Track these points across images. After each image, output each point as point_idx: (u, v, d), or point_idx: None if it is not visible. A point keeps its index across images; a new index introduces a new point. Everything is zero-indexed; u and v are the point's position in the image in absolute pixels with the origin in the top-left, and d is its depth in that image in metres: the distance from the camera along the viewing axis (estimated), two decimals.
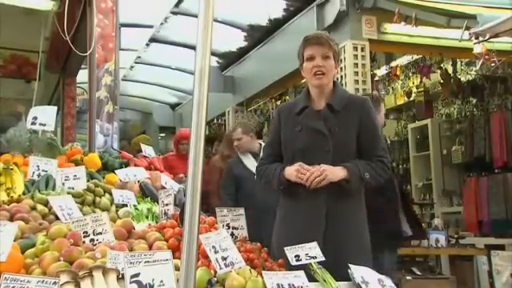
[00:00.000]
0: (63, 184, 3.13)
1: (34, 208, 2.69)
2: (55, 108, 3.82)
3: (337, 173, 2.70)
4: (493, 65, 5.09)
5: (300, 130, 2.83)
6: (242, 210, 3.07)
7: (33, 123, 3.61)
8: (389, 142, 8.18)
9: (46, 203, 2.78)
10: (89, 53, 4.34)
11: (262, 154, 3.19)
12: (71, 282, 1.76)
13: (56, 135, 4.40)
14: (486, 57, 4.91)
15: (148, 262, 1.84)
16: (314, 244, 2.50)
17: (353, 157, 2.78)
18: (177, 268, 1.93)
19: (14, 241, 2.02)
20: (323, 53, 2.79)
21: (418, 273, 4.98)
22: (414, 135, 8.29)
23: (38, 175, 3.22)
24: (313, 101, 2.89)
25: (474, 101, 7.35)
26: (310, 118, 2.83)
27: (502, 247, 5.39)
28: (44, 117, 3.63)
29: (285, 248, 2.50)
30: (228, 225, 2.92)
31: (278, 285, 2.13)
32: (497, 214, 5.69)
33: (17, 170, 3.07)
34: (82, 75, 6.23)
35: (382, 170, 2.80)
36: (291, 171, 2.76)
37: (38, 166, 3.23)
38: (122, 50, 7.05)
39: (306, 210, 2.78)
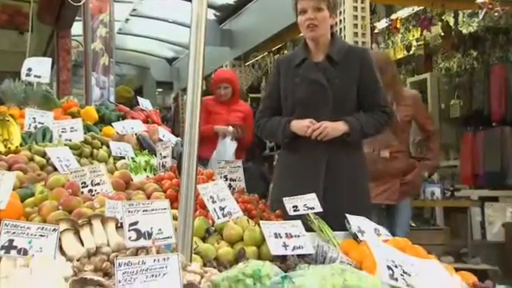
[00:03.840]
0: (60, 136, 3.12)
1: (31, 159, 2.69)
2: (50, 59, 3.75)
3: (338, 128, 2.70)
4: (496, 14, 4.99)
5: (299, 82, 2.81)
6: (239, 162, 3.09)
7: (27, 75, 3.56)
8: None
9: (43, 155, 2.77)
10: (82, 2, 4.23)
11: (260, 106, 3.17)
12: (70, 230, 1.78)
13: (52, 89, 4.34)
14: (490, 6, 4.81)
15: (146, 210, 1.85)
16: (313, 195, 2.52)
17: (353, 108, 2.77)
18: (175, 218, 1.94)
19: (13, 190, 2.02)
20: (314, 5, 2.73)
21: (413, 224, 5.08)
22: (414, 89, 8.25)
23: (35, 127, 3.20)
24: (311, 53, 2.86)
25: (475, 54, 7.26)
26: (310, 70, 2.80)
27: (495, 199, 5.47)
28: (39, 68, 3.57)
29: (283, 198, 2.52)
30: (226, 176, 2.94)
31: (275, 234, 2.16)
32: (492, 167, 5.73)
33: (13, 122, 3.05)
34: (77, 28, 6.09)
35: (384, 120, 2.80)
36: (300, 126, 2.75)
37: (34, 119, 3.21)
38: (117, 1, 6.88)
39: (305, 163, 2.79)
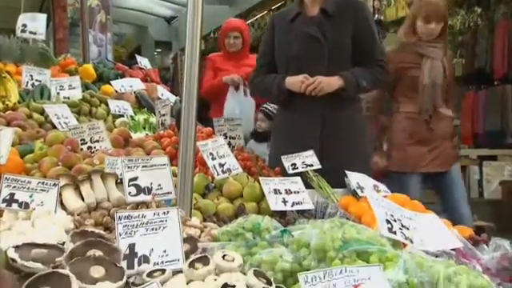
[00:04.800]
0: (58, 94, 3.10)
1: (30, 116, 2.68)
2: (45, 15, 3.68)
3: (333, 83, 2.66)
4: None
5: (294, 37, 2.75)
6: (239, 121, 3.07)
7: (22, 31, 3.50)
8: None
9: (41, 112, 2.76)
10: None
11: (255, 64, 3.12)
12: (70, 185, 1.78)
13: (48, 48, 4.27)
14: None
15: (145, 166, 1.86)
16: (311, 152, 2.52)
17: (349, 62, 2.73)
18: (175, 175, 1.95)
19: (12, 147, 2.02)
20: None
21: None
22: None
23: (32, 85, 3.17)
24: (306, 7, 2.79)
25: (479, 10, 7.12)
26: (304, 24, 2.74)
27: (494, 158, 5.49)
28: (34, 25, 3.51)
29: (282, 156, 2.52)
30: (225, 134, 2.93)
31: (274, 190, 2.17)
32: (492, 126, 5.72)
33: (10, 79, 3.01)
34: None
35: (380, 74, 2.77)
36: (294, 81, 2.72)
37: (31, 76, 3.17)
38: None
39: (301, 120, 2.78)
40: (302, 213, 2.11)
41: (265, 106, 4.19)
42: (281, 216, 2.04)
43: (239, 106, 4.24)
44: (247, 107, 4.29)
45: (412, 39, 3.34)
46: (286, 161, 2.50)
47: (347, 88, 2.67)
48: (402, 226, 1.52)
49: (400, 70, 3.30)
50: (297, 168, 2.48)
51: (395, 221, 1.52)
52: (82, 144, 2.34)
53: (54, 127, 2.63)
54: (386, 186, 2.32)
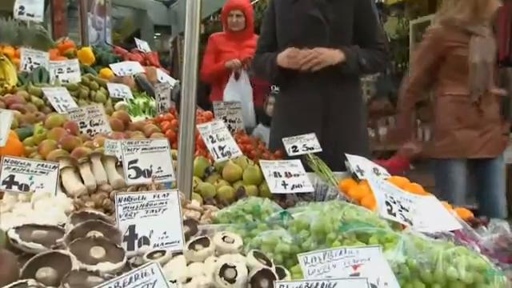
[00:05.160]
0: (57, 77, 3.08)
1: (29, 100, 2.67)
2: None
3: (334, 55, 2.63)
4: None
5: (295, 19, 2.73)
6: (239, 104, 3.06)
7: (20, 13, 3.46)
8: (389, 39, 7.97)
9: (40, 95, 2.75)
10: None
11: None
12: (70, 168, 1.78)
13: (47, 30, 4.24)
14: None
15: (145, 149, 1.85)
16: (312, 135, 2.52)
17: (350, 45, 2.71)
18: (174, 158, 1.95)
19: (12, 130, 2.02)
20: None
21: (412, 167, 5.12)
22: (416, 32, 8.08)
23: (31, 68, 3.15)
24: None
25: None
26: (306, 6, 2.71)
27: None
28: (31, 7, 3.47)
29: (282, 139, 2.52)
30: (225, 118, 2.93)
31: (274, 173, 2.17)
32: None
33: (8, 61, 2.99)
34: None
35: (380, 57, 2.75)
36: (283, 56, 2.70)
37: (29, 59, 3.15)
38: None
39: (302, 102, 2.76)
40: (301, 196, 2.12)
41: (276, 89, 4.15)
42: (281, 199, 2.05)
43: (239, 94, 4.18)
44: (247, 96, 4.25)
45: (461, 17, 3.11)
46: (287, 143, 2.50)
47: (348, 62, 2.64)
48: (402, 207, 1.52)
49: (445, 50, 3.12)
50: (297, 151, 2.48)
51: (395, 203, 1.52)
52: (81, 127, 2.33)
53: (53, 110, 2.62)
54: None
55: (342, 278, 1.04)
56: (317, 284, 0.98)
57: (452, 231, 1.47)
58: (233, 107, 3.01)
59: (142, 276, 0.89)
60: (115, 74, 3.68)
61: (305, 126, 2.62)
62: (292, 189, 2.11)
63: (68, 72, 3.13)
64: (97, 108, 2.39)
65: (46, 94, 2.70)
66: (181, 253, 1.31)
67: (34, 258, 1.05)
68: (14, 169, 1.49)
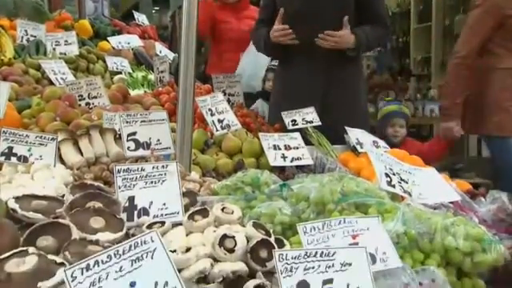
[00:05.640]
0: (54, 50, 3.05)
1: (26, 72, 2.65)
2: None
3: (347, 41, 2.60)
4: None
5: None
6: (238, 77, 3.04)
7: None
8: (390, 13, 7.89)
9: (37, 68, 2.72)
10: None
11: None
12: (69, 140, 1.77)
13: (43, 3, 4.17)
14: None
15: (144, 121, 1.85)
16: (311, 109, 2.50)
17: (352, 19, 2.67)
18: (174, 131, 1.94)
19: (9, 102, 2.00)
20: None
21: None
22: (417, 5, 7.99)
23: (27, 40, 3.11)
24: None
25: None
26: None
27: None
28: None
29: (282, 113, 2.51)
30: (224, 91, 2.91)
31: (274, 146, 2.17)
32: None
33: (4, 33, 2.95)
34: None
35: (384, 33, 2.75)
36: (275, 28, 2.65)
37: (26, 31, 3.11)
38: None
39: (302, 77, 2.74)
40: (301, 168, 2.12)
41: (273, 64, 4.05)
42: (280, 172, 2.05)
43: (257, 60, 3.85)
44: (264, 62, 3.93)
45: None
46: (286, 117, 2.49)
47: (356, 48, 2.64)
48: (401, 179, 1.52)
49: (504, 18, 2.90)
50: (297, 124, 2.47)
51: (394, 174, 1.52)
52: (79, 100, 2.32)
53: (51, 83, 2.60)
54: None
55: (341, 247, 1.05)
56: (316, 253, 0.98)
57: (451, 202, 1.47)
58: (232, 80, 2.99)
59: (141, 244, 0.89)
60: (113, 48, 3.64)
61: (304, 100, 2.61)
62: (291, 161, 2.11)
63: (65, 45, 3.09)
64: (95, 81, 2.37)
65: (43, 66, 2.67)
66: (180, 224, 1.32)
67: (34, 226, 1.05)
68: (12, 140, 1.49)
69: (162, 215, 1.37)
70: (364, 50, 2.77)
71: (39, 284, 0.85)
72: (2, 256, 0.91)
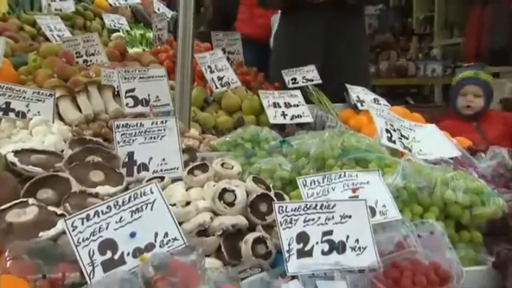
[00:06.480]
0: (49, 5, 2.98)
1: (21, 28, 2.59)
2: None
3: None
4: None
5: None
6: (238, 35, 2.99)
7: None
8: None
9: (33, 24, 2.66)
10: None
11: None
12: (67, 97, 1.75)
13: None
14: None
15: (143, 77, 1.82)
16: (312, 67, 2.47)
17: None
18: (173, 89, 1.92)
19: (5, 58, 1.97)
20: None
21: (412, 102, 5.09)
22: None
23: None
24: None
25: None
26: None
27: (496, 75, 5.37)
28: None
29: (282, 71, 2.48)
30: (224, 49, 2.86)
31: (274, 103, 2.15)
32: (498, 43, 5.56)
33: None
34: None
35: None
36: None
37: None
38: None
39: (303, 32, 2.69)
40: (301, 126, 2.11)
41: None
42: (280, 129, 2.03)
43: None
44: None
45: None
46: (287, 75, 2.46)
47: None
48: (402, 135, 1.52)
49: None
50: (297, 83, 2.44)
51: (395, 131, 1.51)
52: (77, 57, 2.28)
53: (47, 40, 2.55)
54: None
55: (341, 199, 1.05)
56: (316, 205, 0.99)
57: (451, 158, 1.47)
58: (232, 38, 2.94)
59: (141, 195, 0.89)
60: (110, 5, 3.56)
61: (305, 57, 2.57)
62: (291, 119, 2.10)
63: (61, 0, 3.02)
64: (92, 37, 2.32)
65: (38, 22, 2.61)
66: (180, 179, 1.32)
67: (34, 179, 1.05)
68: (9, 95, 1.47)
69: (161, 171, 1.37)
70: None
71: (41, 233, 0.86)
72: (3, 206, 0.91)
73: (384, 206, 1.09)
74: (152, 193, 0.91)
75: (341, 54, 2.68)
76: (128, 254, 0.85)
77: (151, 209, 0.90)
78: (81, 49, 2.30)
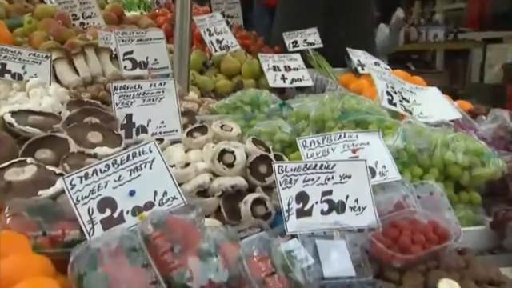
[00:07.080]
0: None
1: None
2: None
3: None
4: None
5: None
6: None
7: None
8: None
9: None
10: None
11: None
12: (64, 59, 1.73)
13: None
14: None
15: (140, 40, 1.79)
16: (314, 30, 2.43)
17: None
18: (171, 53, 1.89)
19: (0, 20, 1.94)
20: None
21: (413, 68, 5.03)
22: None
23: None
24: None
25: None
26: None
27: (499, 41, 5.30)
28: None
29: (283, 33, 2.44)
30: (223, 13, 2.81)
31: (274, 67, 2.13)
32: (500, 7, 5.45)
33: None
34: None
35: None
36: None
37: None
38: None
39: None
40: (301, 90, 2.09)
41: None
42: (279, 93, 2.02)
43: None
44: None
45: None
46: (288, 38, 2.42)
47: None
48: (403, 98, 1.50)
49: None
50: (298, 46, 2.41)
51: (396, 93, 1.50)
52: (73, 20, 2.24)
53: (42, 1, 2.50)
54: None
55: (341, 159, 1.04)
56: (315, 165, 0.98)
57: (452, 121, 1.46)
58: (231, 1, 2.89)
59: (139, 154, 0.88)
60: None
61: (307, 19, 2.52)
62: (291, 83, 2.08)
63: None
64: None
65: None
66: (179, 141, 1.31)
67: (32, 139, 1.04)
68: (5, 57, 1.44)
69: (160, 133, 1.36)
70: None
71: (40, 192, 0.86)
72: (1, 165, 0.91)
73: (384, 166, 1.09)
74: (151, 152, 0.90)
75: (343, 17, 2.62)
76: (127, 212, 0.85)
77: (150, 167, 0.89)
78: (77, 11, 2.26)
